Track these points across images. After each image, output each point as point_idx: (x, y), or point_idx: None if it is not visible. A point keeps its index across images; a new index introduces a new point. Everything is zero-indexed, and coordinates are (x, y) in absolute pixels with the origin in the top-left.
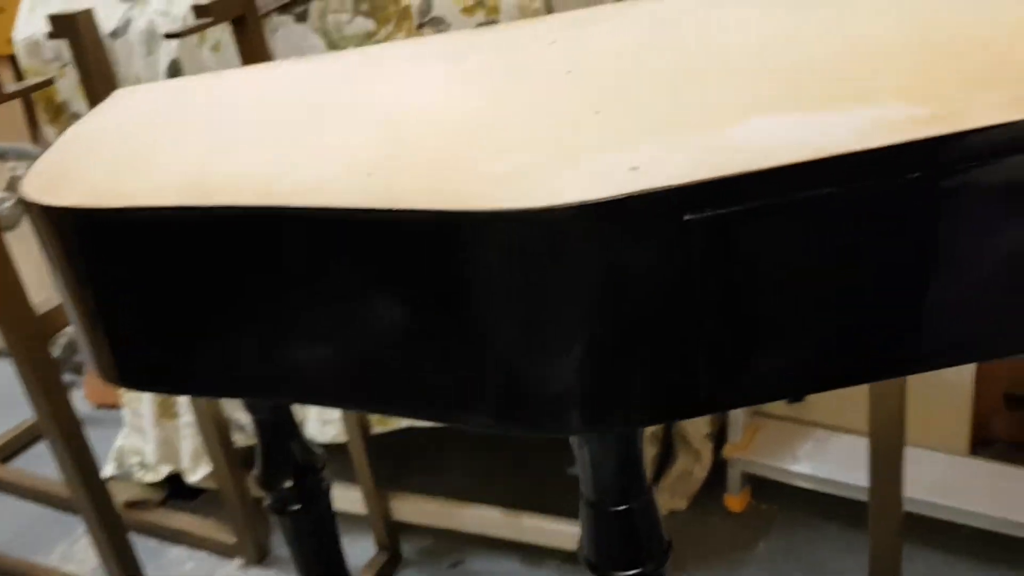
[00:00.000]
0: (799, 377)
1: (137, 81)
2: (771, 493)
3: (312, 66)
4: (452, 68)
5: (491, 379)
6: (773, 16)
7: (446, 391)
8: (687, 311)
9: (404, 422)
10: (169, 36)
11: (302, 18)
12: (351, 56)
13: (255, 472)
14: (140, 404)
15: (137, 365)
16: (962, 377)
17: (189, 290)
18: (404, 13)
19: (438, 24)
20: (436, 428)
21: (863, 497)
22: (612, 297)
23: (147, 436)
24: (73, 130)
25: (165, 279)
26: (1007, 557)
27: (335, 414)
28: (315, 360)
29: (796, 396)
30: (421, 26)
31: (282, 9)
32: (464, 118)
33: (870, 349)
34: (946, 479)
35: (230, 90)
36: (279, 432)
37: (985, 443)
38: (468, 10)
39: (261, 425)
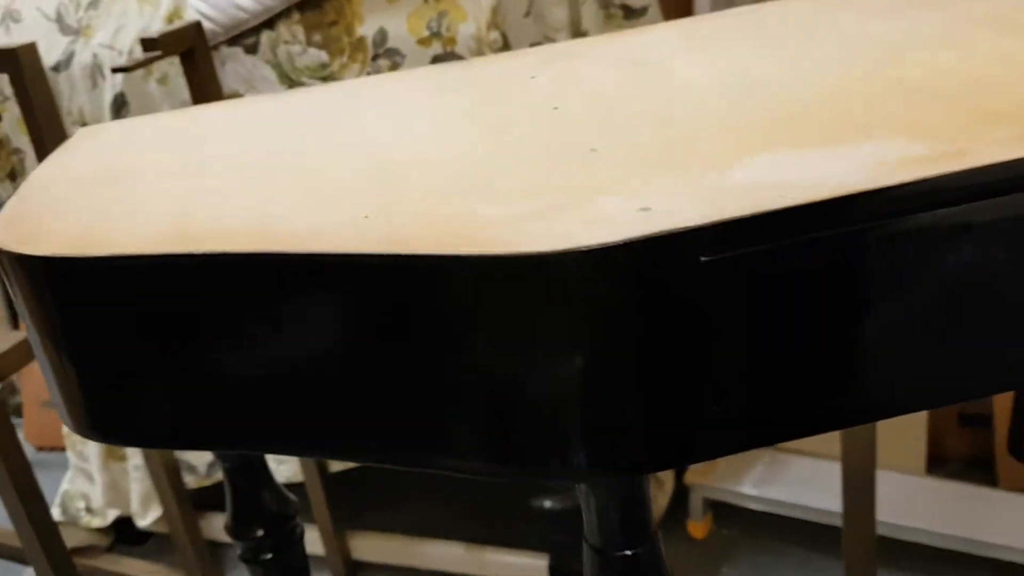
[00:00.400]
0: (810, 418)
1: (81, 115)
2: (732, 518)
3: (284, 103)
4: (434, 105)
5: (493, 424)
6: (752, 59)
7: (446, 437)
8: (698, 353)
9: None
10: (117, 71)
11: (252, 50)
12: (324, 93)
13: (225, 522)
14: (86, 447)
15: (113, 417)
16: None
17: (175, 339)
18: (358, 44)
19: (393, 56)
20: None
21: (825, 520)
22: (622, 341)
23: (94, 480)
24: (39, 174)
25: (149, 328)
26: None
27: None
28: (317, 408)
29: None
30: (376, 57)
31: (231, 41)
32: (456, 158)
33: (896, 387)
34: (907, 499)
35: (203, 129)
36: (250, 480)
37: (939, 462)
38: (424, 41)
39: (230, 473)
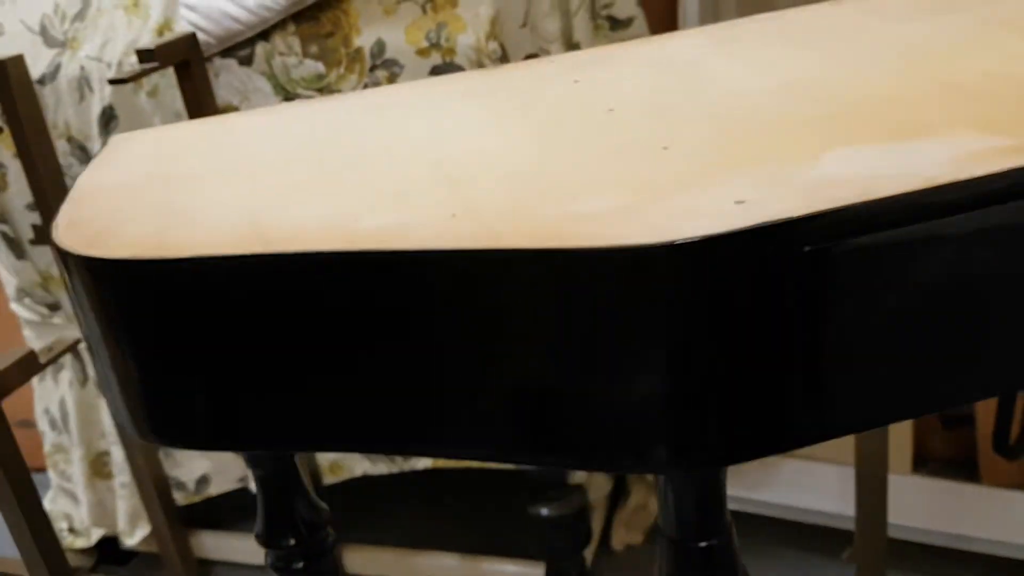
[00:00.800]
0: (890, 409)
1: (67, 129)
2: None
3: (318, 109)
4: (480, 108)
5: (579, 419)
6: (791, 61)
7: (526, 431)
8: (794, 345)
9: (358, 470)
10: (113, 82)
11: (246, 61)
12: (355, 99)
13: (256, 530)
14: (69, 465)
15: (180, 421)
16: None
17: (250, 343)
18: (356, 55)
19: (391, 66)
20: (388, 475)
21: (818, 521)
22: (718, 334)
23: (78, 499)
24: (85, 181)
25: (224, 332)
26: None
27: None
28: (412, 407)
29: None
30: (374, 68)
31: (224, 53)
32: (521, 157)
33: (980, 377)
34: (895, 498)
35: (245, 134)
36: (283, 487)
37: (922, 462)
38: (423, 52)
39: (263, 481)
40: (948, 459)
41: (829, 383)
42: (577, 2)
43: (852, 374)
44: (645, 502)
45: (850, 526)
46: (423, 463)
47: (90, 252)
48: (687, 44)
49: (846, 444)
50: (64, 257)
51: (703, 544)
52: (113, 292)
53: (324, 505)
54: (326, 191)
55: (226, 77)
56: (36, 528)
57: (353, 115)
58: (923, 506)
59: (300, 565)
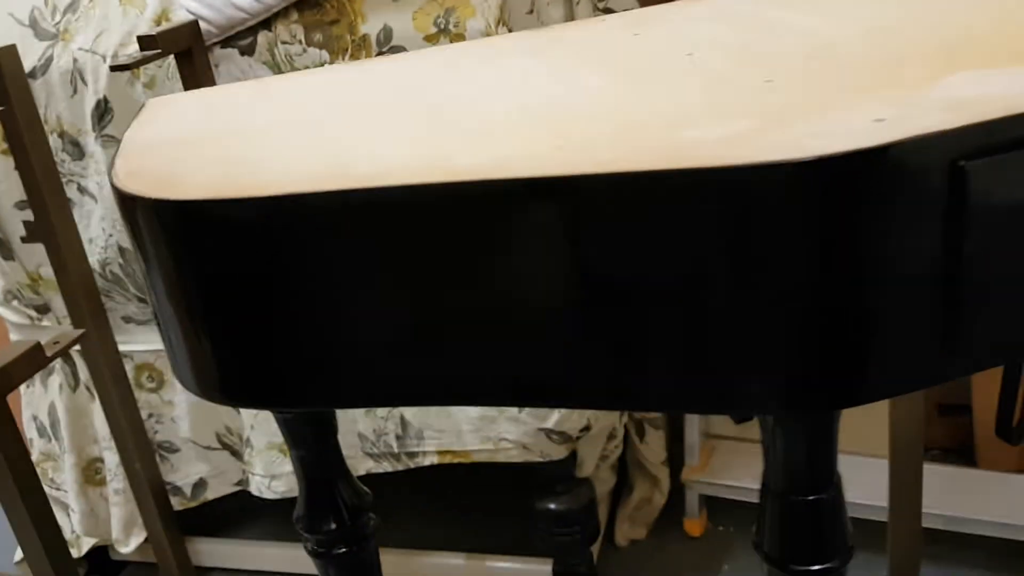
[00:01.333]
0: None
1: (59, 123)
2: (727, 515)
3: (375, 68)
4: (548, 59)
5: (694, 351)
6: (849, 10)
7: (644, 365)
8: (938, 268)
9: (361, 469)
10: (115, 68)
11: (248, 51)
12: (414, 58)
13: (296, 513)
14: (59, 473)
15: (255, 377)
16: None
17: (340, 285)
18: (361, 43)
19: (399, 53)
20: (391, 474)
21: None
22: (862, 253)
23: (69, 508)
24: (133, 137)
25: (312, 276)
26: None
27: (284, 468)
28: (525, 346)
29: (744, 416)
30: (380, 55)
31: (225, 42)
32: (609, 97)
33: None
34: None
35: (298, 93)
36: (325, 469)
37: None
38: (431, 38)
39: (305, 463)
40: (946, 446)
41: (969, 312)
42: None
43: (990, 303)
44: (649, 495)
45: (878, 516)
46: (428, 460)
47: (162, 195)
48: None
49: (871, 435)
50: (130, 204)
51: (811, 498)
52: (186, 236)
53: (366, 489)
54: (406, 135)
55: (226, 67)
56: (42, 529)
57: (416, 69)
58: (924, 491)
59: (342, 550)
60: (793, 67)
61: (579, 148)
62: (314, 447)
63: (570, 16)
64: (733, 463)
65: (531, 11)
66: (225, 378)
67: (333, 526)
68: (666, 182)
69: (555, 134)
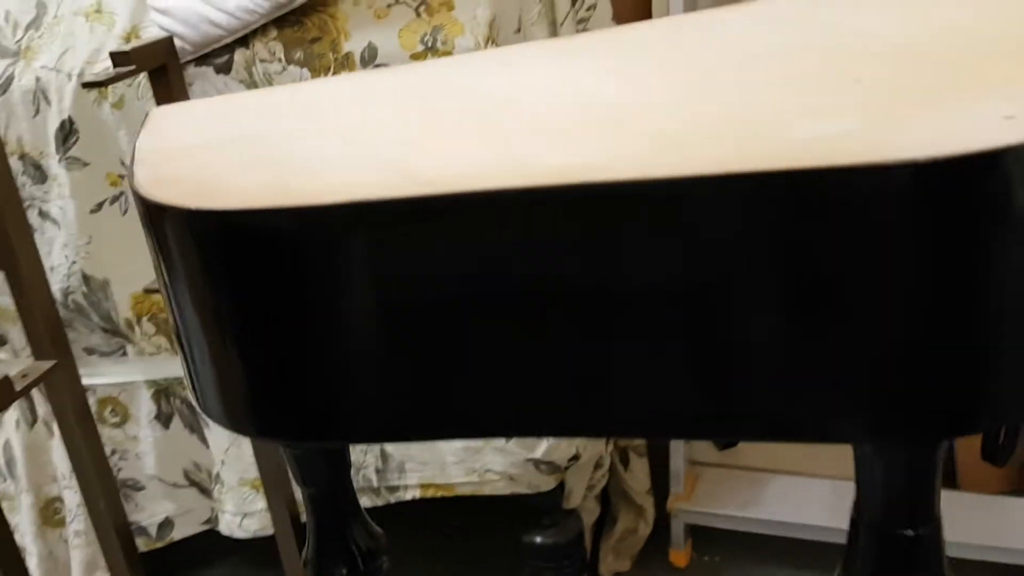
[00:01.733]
0: None
1: (19, 144)
2: (712, 544)
3: (409, 72)
4: (598, 61)
5: (788, 377)
6: (916, 11)
7: (731, 393)
8: None
9: None
10: (87, 86)
11: (224, 69)
12: (450, 63)
13: (304, 556)
14: (15, 514)
15: (296, 407)
16: None
17: (410, 306)
18: (345, 61)
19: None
20: (371, 508)
21: (808, 536)
22: (986, 264)
23: (26, 551)
24: (147, 146)
25: (376, 292)
26: None
27: (257, 504)
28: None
29: (728, 443)
30: None
31: (199, 60)
32: (681, 99)
33: None
34: None
35: (323, 99)
36: (338, 511)
37: None
38: (418, 56)
39: (316, 503)
40: None
41: None
42: (563, 13)
43: None
44: (634, 526)
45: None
46: (410, 494)
47: (200, 204)
48: (785, 5)
49: (834, 458)
50: (157, 214)
51: (911, 533)
52: (225, 249)
53: (380, 530)
54: (470, 138)
55: (201, 85)
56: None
57: (457, 73)
58: None
59: None
60: (878, 68)
61: (677, 149)
62: (328, 485)
63: (554, 35)
64: (718, 491)
65: (518, 30)
66: (259, 408)
67: (344, 571)
68: (802, 184)
69: (643, 134)
